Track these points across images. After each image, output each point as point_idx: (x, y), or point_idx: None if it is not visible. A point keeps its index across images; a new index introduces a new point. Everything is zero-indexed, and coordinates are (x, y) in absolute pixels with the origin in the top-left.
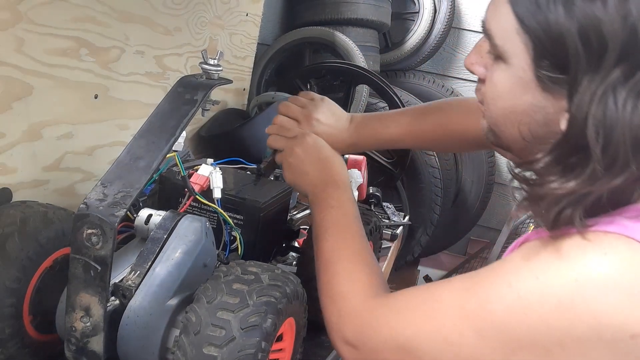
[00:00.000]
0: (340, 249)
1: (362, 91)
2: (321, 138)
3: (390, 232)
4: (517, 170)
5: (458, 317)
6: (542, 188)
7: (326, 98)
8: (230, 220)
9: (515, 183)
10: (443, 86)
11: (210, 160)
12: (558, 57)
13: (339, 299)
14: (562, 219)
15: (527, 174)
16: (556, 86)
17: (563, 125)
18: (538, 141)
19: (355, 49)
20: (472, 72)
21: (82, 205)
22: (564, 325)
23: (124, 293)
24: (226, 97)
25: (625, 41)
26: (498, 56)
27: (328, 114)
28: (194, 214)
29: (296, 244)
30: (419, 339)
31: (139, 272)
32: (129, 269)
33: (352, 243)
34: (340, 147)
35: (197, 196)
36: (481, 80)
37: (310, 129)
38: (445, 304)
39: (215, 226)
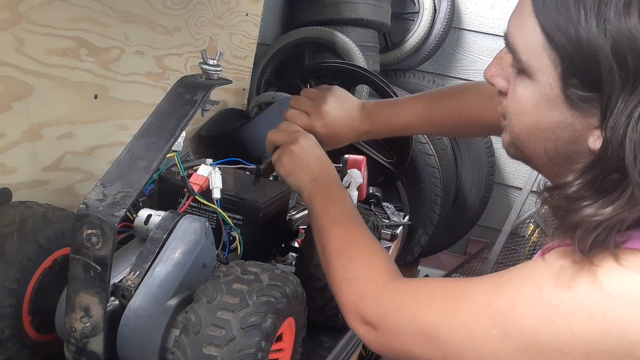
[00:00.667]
0: (353, 236)
1: (362, 91)
2: (332, 128)
3: (390, 232)
4: (546, 195)
5: (484, 314)
6: (577, 215)
7: (335, 87)
8: (229, 221)
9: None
10: (443, 86)
11: (209, 161)
12: (589, 76)
13: (358, 281)
14: (597, 244)
15: (558, 199)
16: (586, 104)
17: (592, 144)
18: (564, 159)
19: (355, 49)
20: (492, 84)
21: (81, 206)
22: (593, 339)
23: (123, 293)
24: (226, 97)
25: None
26: (522, 71)
27: (338, 104)
28: (193, 214)
29: (295, 244)
30: (442, 327)
31: (138, 272)
32: (128, 269)
33: (363, 232)
34: (352, 135)
35: (197, 196)
36: (502, 94)
37: (320, 121)
38: (473, 298)
39: (214, 226)
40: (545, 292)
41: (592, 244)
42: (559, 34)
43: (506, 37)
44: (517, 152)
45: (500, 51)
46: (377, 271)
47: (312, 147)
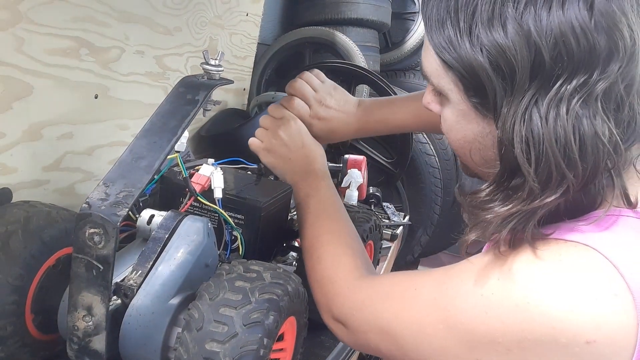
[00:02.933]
0: (321, 234)
1: (362, 91)
2: (330, 123)
3: (390, 232)
4: (462, 199)
5: (432, 309)
6: (488, 213)
7: (336, 85)
8: (230, 220)
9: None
10: None
11: (211, 160)
12: (478, 87)
13: (325, 282)
14: (517, 237)
15: (474, 203)
16: (488, 113)
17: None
18: (490, 165)
19: (355, 49)
20: (429, 110)
21: (84, 205)
22: (522, 328)
23: (126, 292)
24: (226, 97)
25: (532, 60)
26: (439, 93)
27: (338, 100)
28: (195, 213)
29: (296, 244)
30: (397, 325)
31: (141, 271)
32: (131, 269)
33: (333, 228)
34: (348, 132)
35: (199, 197)
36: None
37: (322, 114)
38: (423, 295)
39: (216, 226)
40: (478, 284)
41: (512, 237)
42: (446, 55)
43: (421, 67)
44: (465, 168)
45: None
46: (341, 272)
47: (294, 137)
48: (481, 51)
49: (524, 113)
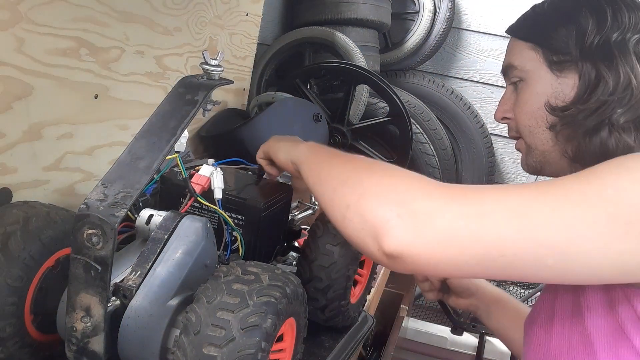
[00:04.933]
0: (371, 163)
1: (362, 91)
2: None
3: None
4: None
5: (587, 203)
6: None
7: None
8: (230, 221)
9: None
10: (443, 86)
11: (211, 161)
12: (561, 50)
13: (400, 195)
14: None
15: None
16: (565, 66)
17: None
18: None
19: (355, 49)
20: (505, 120)
21: (82, 206)
22: None
23: (124, 293)
24: (226, 97)
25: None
26: (519, 79)
27: None
28: (195, 214)
29: (296, 244)
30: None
31: (139, 272)
32: (129, 269)
33: (364, 163)
34: None
35: (198, 197)
36: (511, 120)
37: None
38: (571, 191)
39: (216, 226)
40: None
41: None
42: (540, 38)
43: (504, 68)
44: (530, 155)
45: (501, 98)
46: (424, 183)
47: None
48: (570, 28)
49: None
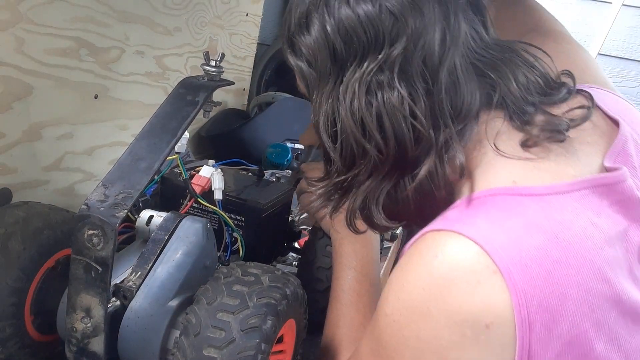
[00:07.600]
0: (337, 318)
1: None
2: None
3: (390, 232)
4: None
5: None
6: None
7: None
8: (230, 222)
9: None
10: None
11: (211, 162)
12: (303, 82)
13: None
14: (366, 218)
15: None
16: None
17: None
18: None
19: None
20: None
21: (83, 206)
22: (434, 334)
23: (124, 294)
24: (226, 97)
25: (330, 55)
26: None
27: None
28: (196, 215)
29: (296, 245)
30: None
31: (139, 273)
32: (129, 270)
33: (354, 316)
34: None
35: (198, 198)
36: None
37: None
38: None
39: (216, 227)
40: (386, 309)
41: (364, 218)
42: (288, 59)
43: None
44: None
45: None
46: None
47: None
48: (300, 54)
49: (328, 95)
